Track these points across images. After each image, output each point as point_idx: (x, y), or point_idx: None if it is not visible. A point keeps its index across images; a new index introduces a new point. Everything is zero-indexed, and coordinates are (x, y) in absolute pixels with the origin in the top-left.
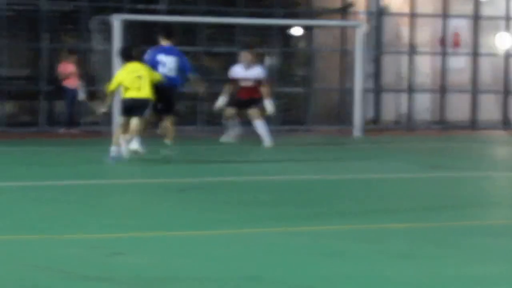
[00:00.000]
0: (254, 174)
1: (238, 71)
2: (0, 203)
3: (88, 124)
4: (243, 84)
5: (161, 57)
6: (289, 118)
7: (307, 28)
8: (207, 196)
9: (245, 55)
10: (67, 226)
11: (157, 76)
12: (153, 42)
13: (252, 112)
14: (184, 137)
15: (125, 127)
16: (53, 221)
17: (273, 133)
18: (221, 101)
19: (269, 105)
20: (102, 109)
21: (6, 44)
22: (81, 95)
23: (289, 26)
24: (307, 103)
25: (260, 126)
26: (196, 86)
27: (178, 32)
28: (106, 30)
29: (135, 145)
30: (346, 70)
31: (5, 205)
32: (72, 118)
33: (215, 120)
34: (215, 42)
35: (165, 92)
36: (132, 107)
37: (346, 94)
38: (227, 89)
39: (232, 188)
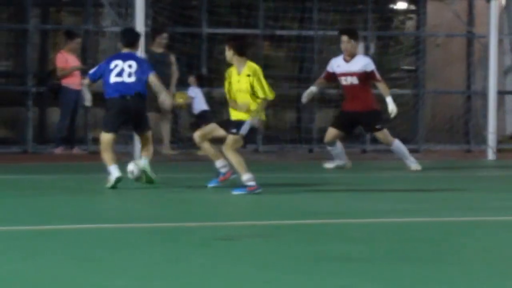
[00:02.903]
0: (336, 215)
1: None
2: None
3: (97, 141)
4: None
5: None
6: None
7: (417, 1)
8: (266, 248)
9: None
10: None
11: None
12: (191, 22)
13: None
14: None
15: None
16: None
17: (364, 153)
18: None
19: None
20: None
21: None
22: (87, 99)
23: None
24: (415, 112)
25: None
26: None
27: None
28: (123, 5)
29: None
30: (473, 64)
31: None
32: (73, 133)
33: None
34: (279, 22)
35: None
36: None
37: (473, 98)
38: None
39: (304, 236)
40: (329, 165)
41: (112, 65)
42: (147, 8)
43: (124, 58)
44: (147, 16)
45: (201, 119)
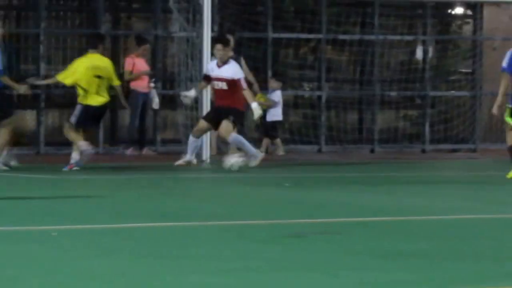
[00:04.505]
0: (397, 212)
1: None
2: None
3: (166, 142)
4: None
5: None
6: (448, 133)
7: (474, 6)
8: (332, 244)
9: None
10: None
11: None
12: (257, 27)
13: None
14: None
15: None
16: (114, 277)
17: (425, 153)
18: None
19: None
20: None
21: (49, 30)
22: (155, 102)
23: (448, 4)
24: (473, 113)
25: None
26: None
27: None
28: (191, 11)
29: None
30: None
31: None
32: (144, 135)
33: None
34: (343, 27)
35: None
36: None
37: None
38: None
39: (368, 233)
40: (179, 161)
41: None
42: (214, 14)
43: None
44: (214, 21)
45: (272, 129)
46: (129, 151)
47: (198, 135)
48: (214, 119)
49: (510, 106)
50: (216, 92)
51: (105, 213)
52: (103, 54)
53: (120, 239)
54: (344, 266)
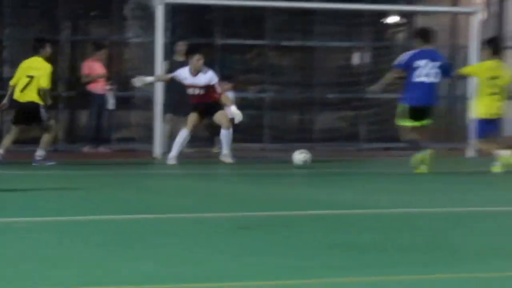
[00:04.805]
0: (338, 206)
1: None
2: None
3: (121, 140)
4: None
5: None
6: (382, 132)
7: (406, 16)
8: (282, 236)
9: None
10: (97, 275)
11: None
12: (206, 34)
13: None
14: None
15: None
16: (78, 268)
17: (361, 151)
18: None
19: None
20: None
21: (11, 34)
22: (111, 103)
23: (383, 14)
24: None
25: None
26: None
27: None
28: (145, 19)
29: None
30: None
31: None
32: (100, 133)
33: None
34: (286, 33)
35: None
36: None
37: (457, 102)
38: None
39: (317, 226)
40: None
41: None
42: (167, 21)
43: None
44: (166, 28)
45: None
46: (86, 149)
47: (191, 129)
48: (201, 113)
49: (403, 105)
50: (194, 96)
51: (64, 206)
52: (47, 57)
53: (79, 230)
54: (292, 256)
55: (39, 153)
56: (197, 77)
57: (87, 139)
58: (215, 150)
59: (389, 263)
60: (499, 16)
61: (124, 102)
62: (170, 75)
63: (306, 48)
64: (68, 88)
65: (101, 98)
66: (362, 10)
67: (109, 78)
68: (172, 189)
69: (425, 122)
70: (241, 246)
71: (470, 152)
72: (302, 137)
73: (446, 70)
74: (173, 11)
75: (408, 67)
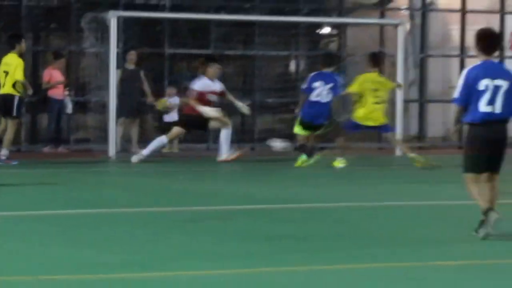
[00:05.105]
0: (278, 201)
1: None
2: None
3: (79, 141)
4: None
5: None
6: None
7: (338, 27)
8: (223, 228)
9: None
10: (53, 265)
11: None
12: (155, 44)
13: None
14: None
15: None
16: (29, 258)
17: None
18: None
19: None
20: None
21: None
22: (69, 107)
23: (317, 25)
24: (337, 116)
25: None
26: None
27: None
28: (99, 30)
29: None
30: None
31: None
32: (59, 135)
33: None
34: (229, 44)
35: None
36: None
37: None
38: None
39: (252, 218)
40: None
41: None
42: (120, 33)
43: None
44: (119, 39)
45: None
46: (47, 149)
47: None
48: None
49: (300, 117)
50: (211, 102)
51: (26, 201)
52: (20, 52)
53: (37, 224)
54: (233, 244)
55: (3, 152)
56: (215, 84)
57: (48, 140)
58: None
59: (314, 252)
60: (422, 27)
61: (81, 107)
62: (195, 91)
63: (247, 57)
64: (30, 94)
65: (60, 103)
66: (298, 22)
67: (67, 85)
68: (124, 186)
69: (317, 131)
70: (187, 236)
71: (398, 152)
72: (244, 138)
73: (335, 91)
74: (125, 24)
75: (310, 89)
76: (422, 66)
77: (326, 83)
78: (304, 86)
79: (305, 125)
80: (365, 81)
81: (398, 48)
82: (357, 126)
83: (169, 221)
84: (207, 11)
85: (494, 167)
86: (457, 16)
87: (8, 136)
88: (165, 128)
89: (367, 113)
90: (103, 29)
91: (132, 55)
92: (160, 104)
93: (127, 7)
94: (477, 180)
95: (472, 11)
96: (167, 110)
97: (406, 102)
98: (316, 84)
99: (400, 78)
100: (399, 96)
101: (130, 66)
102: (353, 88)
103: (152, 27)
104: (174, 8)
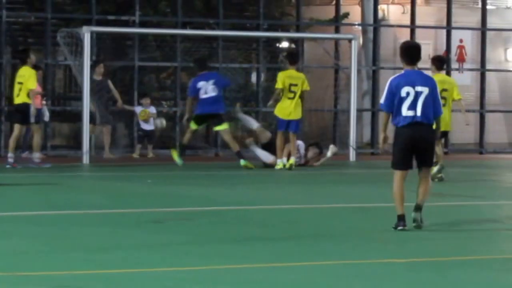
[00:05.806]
0: (237, 203)
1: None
2: None
3: (55, 147)
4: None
5: None
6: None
7: (296, 41)
8: (185, 228)
9: None
10: (28, 262)
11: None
12: (125, 56)
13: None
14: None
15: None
16: (13, 257)
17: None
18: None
19: None
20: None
21: None
22: (46, 115)
23: (277, 40)
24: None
25: None
26: None
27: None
28: (73, 44)
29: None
30: (339, 88)
31: None
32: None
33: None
34: (194, 57)
35: None
36: None
37: (340, 115)
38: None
39: (213, 219)
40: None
41: None
42: (93, 46)
43: None
44: (92, 52)
45: (150, 137)
46: (25, 154)
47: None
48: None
49: (194, 114)
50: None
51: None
52: (32, 64)
53: (15, 224)
54: (196, 244)
55: (36, 155)
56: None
57: (26, 146)
58: (135, 155)
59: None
60: (374, 42)
61: (57, 115)
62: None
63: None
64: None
65: (38, 112)
66: (259, 37)
67: (44, 95)
68: (95, 189)
69: (217, 127)
70: (155, 236)
71: (352, 157)
72: (208, 145)
73: (224, 83)
74: (97, 38)
75: (195, 91)
76: (374, 78)
77: (207, 80)
78: (188, 91)
79: (199, 118)
80: (284, 77)
81: (351, 61)
82: (283, 121)
83: (132, 222)
84: (174, 26)
85: (423, 163)
86: (407, 31)
87: (36, 140)
88: (145, 135)
89: (284, 107)
90: (77, 43)
91: (100, 68)
92: (144, 114)
93: (99, 23)
94: (404, 177)
95: (421, 27)
96: (147, 120)
97: (359, 111)
98: (200, 84)
99: (353, 89)
100: (353, 105)
101: (98, 77)
102: (277, 86)
103: (123, 41)
104: (143, 24)
